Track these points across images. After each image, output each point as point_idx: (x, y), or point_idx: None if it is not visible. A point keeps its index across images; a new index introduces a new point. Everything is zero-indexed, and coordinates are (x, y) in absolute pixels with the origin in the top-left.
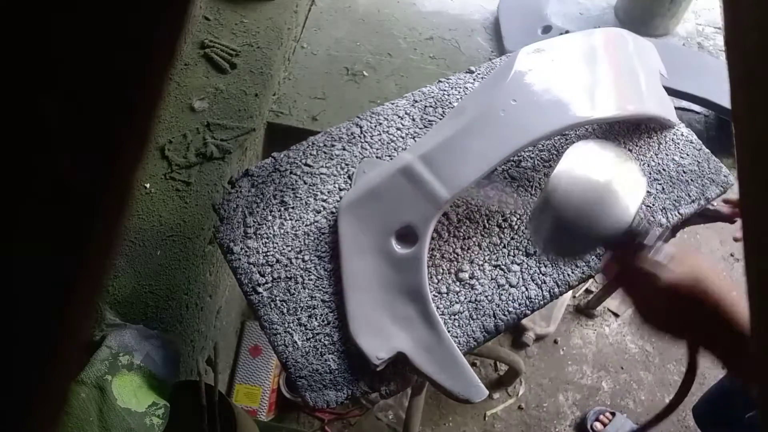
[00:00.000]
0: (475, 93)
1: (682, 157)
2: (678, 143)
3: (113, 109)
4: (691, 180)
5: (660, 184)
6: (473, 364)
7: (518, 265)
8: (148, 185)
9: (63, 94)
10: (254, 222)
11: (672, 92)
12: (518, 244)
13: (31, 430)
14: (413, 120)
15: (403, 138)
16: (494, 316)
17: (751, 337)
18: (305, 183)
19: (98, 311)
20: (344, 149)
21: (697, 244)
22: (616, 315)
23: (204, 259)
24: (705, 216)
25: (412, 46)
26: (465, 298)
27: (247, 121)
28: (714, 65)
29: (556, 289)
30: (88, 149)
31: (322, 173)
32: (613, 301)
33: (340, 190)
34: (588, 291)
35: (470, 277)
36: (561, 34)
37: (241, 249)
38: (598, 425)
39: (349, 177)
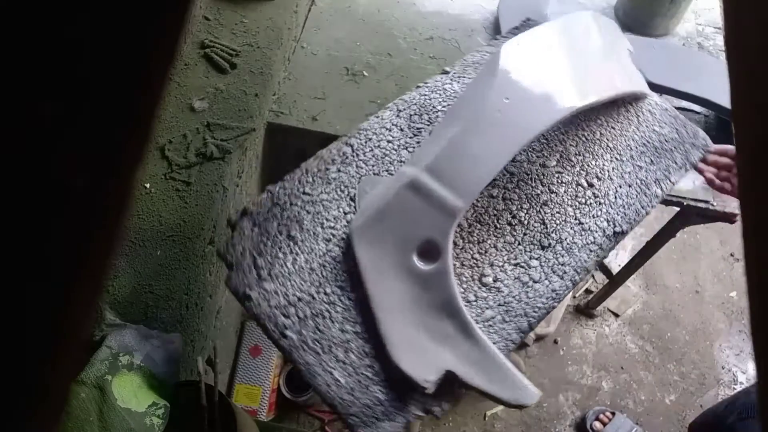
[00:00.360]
0: (465, 96)
1: (661, 127)
2: (654, 113)
3: (113, 109)
4: (674, 147)
5: (648, 156)
6: None
7: (536, 259)
8: (148, 185)
9: (63, 94)
10: (265, 263)
11: (672, 92)
12: (532, 239)
13: (31, 430)
14: (401, 130)
15: (396, 150)
16: (525, 315)
17: (752, 339)
18: (308, 213)
19: (98, 311)
20: (340, 171)
21: (697, 244)
22: (616, 315)
23: (204, 259)
24: (705, 216)
25: (412, 46)
26: (494, 303)
27: (247, 121)
28: (714, 65)
29: (577, 277)
30: (88, 149)
31: (323, 200)
32: (613, 301)
33: (345, 214)
34: (588, 291)
35: (494, 281)
36: None
37: (259, 294)
38: (597, 425)
39: (352, 199)
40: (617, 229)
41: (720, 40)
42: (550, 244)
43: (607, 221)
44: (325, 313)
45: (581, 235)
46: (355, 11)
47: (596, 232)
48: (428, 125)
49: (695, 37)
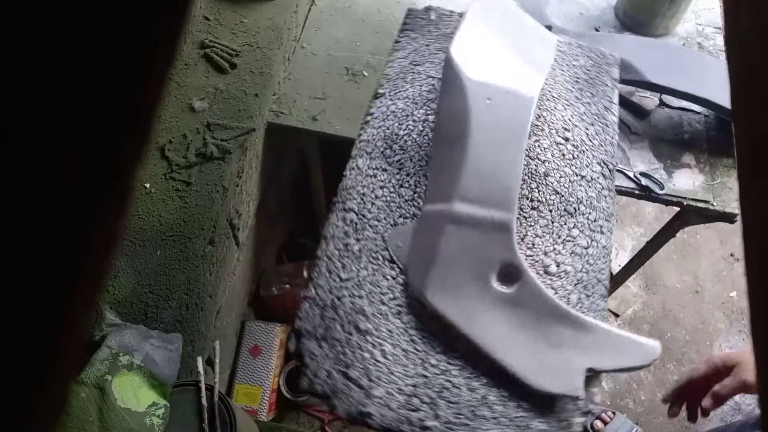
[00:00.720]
0: (444, 113)
1: (576, 59)
2: (564, 51)
3: (113, 109)
4: (598, 73)
5: (587, 91)
6: None
7: (574, 227)
8: (148, 185)
9: (63, 94)
10: (359, 372)
11: (672, 92)
12: (559, 211)
13: (31, 430)
14: (385, 170)
15: (394, 191)
16: (599, 281)
17: (751, 339)
18: (361, 297)
19: (98, 311)
20: (359, 240)
21: (697, 244)
22: (616, 315)
23: (204, 259)
24: (705, 216)
25: None
26: (571, 285)
27: (247, 121)
28: (714, 65)
29: (610, 225)
30: (88, 149)
31: (364, 277)
32: (613, 301)
33: (395, 278)
34: None
35: (558, 266)
36: (561, 33)
37: (375, 405)
38: (598, 423)
39: (391, 261)
40: (610, 166)
41: (720, 40)
42: (575, 208)
43: (599, 164)
44: (446, 384)
45: (591, 187)
46: (355, 11)
47: (599, 178)
48: (404, 152)
49: (695, 37)
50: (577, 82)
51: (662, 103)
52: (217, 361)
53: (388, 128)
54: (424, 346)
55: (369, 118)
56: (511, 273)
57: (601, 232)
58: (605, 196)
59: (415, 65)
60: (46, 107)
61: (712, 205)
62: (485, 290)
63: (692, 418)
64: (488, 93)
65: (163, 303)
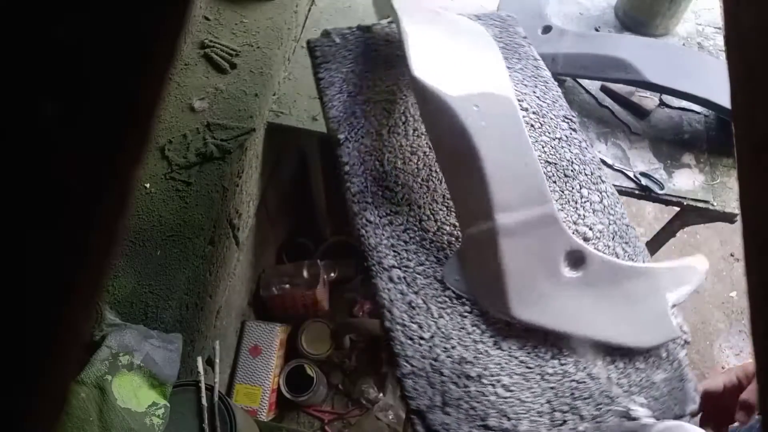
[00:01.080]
0: (441, 137)
1: (487, 30)
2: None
3: (113, 109)
4: (510, 37)
5: (512, 58)
6: None
7: (582, 188)
8: (148, 185)
9: (63, 94)
10: (497, 418)
11: (672, 92)
12: (561, 178)
13: (31, 430)
14: (396, 213)
15: (417, 228)
16: (627, 225)
17: (751, 339)
18: (455, 347)
19: (98, 311)
20: (416, 293)
21: (697, 244)
22: None
23: (204, 259)
24: (705, 216)
25: None
26: (611, 241)
27: (247, 121)
28: (714, 65)
29: (604, 170)
30: (88, 149)
31: (444, 326)
32: None
33: (471, 311)
34: None
35: (590, 229)
36: (561, 33)
37: None
38: None
39: (458, 297)
40: (574, 119)
41: (720, 40)
42: (571, 170)
43: (563, 120)
44: (571, 384)
45: (571, 145)
46: (355, 11)
47: (571, 134)
48: (402, 187)
49: (695, 37)
50: (505, 52)
51: (662, 103)
52: (217, 361)
53: (371, 170)
54: (536, 361)
55: (347, 168)
56: (577, 258)
57: (603, 181)
58: (585, 148)
59: (354, 96)
60: (46, 107)
61: (712, 205)
62: (561, 283)
63: None
64: (473, 101)
65: (163, 303)
